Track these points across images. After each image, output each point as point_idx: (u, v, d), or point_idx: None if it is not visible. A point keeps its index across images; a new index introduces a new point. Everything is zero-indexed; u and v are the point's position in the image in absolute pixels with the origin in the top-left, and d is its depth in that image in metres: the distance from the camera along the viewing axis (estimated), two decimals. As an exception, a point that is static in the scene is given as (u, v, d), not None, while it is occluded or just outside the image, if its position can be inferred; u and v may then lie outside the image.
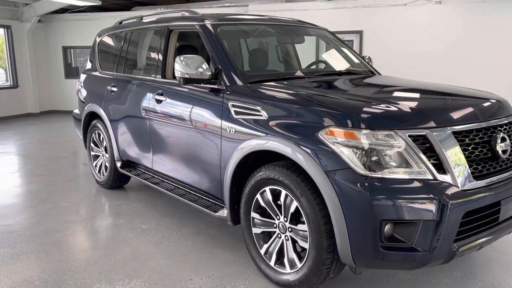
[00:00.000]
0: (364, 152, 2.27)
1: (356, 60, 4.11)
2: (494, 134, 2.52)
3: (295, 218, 2.64)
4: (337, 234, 2.35)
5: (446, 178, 2.26)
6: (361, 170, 2.25)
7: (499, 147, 2.50)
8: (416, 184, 2.22)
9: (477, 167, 2.41)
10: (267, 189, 2.76)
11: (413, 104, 2.56)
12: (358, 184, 2.23)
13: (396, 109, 2.42)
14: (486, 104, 2.68)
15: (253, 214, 2.91)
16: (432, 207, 2.17)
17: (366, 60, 4.20)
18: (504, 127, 2.63)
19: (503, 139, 2.54)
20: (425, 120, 2.37)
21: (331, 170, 2.33)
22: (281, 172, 2.63)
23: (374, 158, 2.26)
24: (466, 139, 2.42)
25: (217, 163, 3.17)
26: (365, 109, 2.43)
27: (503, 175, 2.51)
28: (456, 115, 2.48)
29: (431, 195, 2.19)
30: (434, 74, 8.05)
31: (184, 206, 4.28)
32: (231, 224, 3.14)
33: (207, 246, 3.45)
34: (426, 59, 8.73)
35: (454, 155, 2.30)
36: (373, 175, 2.23)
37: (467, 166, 2.33)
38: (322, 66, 4.22)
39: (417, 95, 2.91)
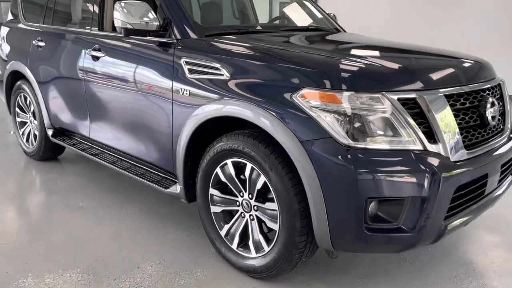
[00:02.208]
0: (347, 118, 1.91)
1: (320, 16, 3.72)
2: (484, 98, 2.26)
3: (262, 195, 2.27)
4: (313, 215, 2.01)
5: (436, 148, 1.96)
6: (343, 139, 1.89)
7: (489, 112, 2.25)
8: (406, 155, 1.91)
9: (466, 135, 2.14)
10: (228, 162, 2.36)
11: (399, 63, 2.23)
12: (340, 156, 1.88)
13: (383, 68, 2.08)
14: (474, 66, 2.40)
15: (212, 191, 2.51)
16: (423, 181, 1.88)
17: (331, 17, 3.82)
18: (492, 90, 2.38)
19: (492, 104, 2.28)
20: (415, 81, 2.05)
21: (307, 140, 1.96)
22: (246, 142, 2.23)
23: (357, 126, 1.91)
24: (457, 103, 2.13)
25: (167, 132, 2.71)
26: (347, 67, 2.07)
27: (489, 144, 2.27)
28: (447, 76, 2.19)
29: (422, 168, 1.89)
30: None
31: (129, 180, 3.79)
32: (185, 201, 2.73)
33: (156, 227, 3.02)
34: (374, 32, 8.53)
35: (446, 122, 2.01)
36: (357, 146, 1.89)
37: (459, 135, 2.06)
38: (284, 21, 3.80)
39: (398, 54, 2.58)
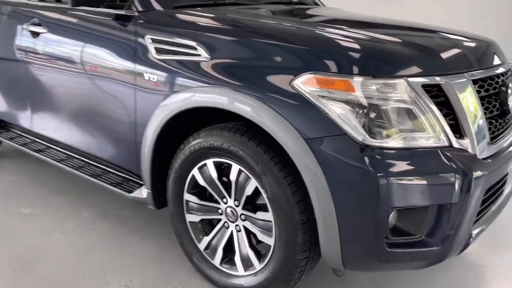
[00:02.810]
0: (362, 110, 1.54)
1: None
2: (504, 84, 1.96)
3: (252, 202, 1.88)
4: (321, 228, 1.64)
5: (464, 143, 1.64)
6: (360, 136, 1.52)
7: (510, 99, 1.96)
8: (432, 154, 1.57)
9: (490, 127, 1.83)
10: (209, 162, 1.94)
11: (419, 42, 1.87)
12: (357, 157, 1.52)
13: (402, 48, 1.72)
14: (490, 47, 2.08)
15: (188, 196, 2.08)
16: (453, 185, 1.55)
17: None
18: (507, 75, 2.08)
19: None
20: (439, 63, 1.70)
21: (315, 138, 1.57)
22: (232, 139, 1.81)
23: (375, 119, 1.54)
24: (482, 90, 1.81)
25: (129, 125, 2.24)
26: (360, 47, 1.68)
27: (508, 136, 1.99)
28: (469, 58, 1.86)
29: (452, 169, 1.56)
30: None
31: (82, 179, 3.25)
32: (153, 208, 2.28)
33: (118, 236, 2.55)
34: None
35: (474, 112, 1.69)
36: (376, 144, 1.53)
37: (486, 127, 1.75)
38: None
39: (411, 33, 2.18)
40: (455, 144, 1.62)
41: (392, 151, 1.53)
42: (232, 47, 1.83)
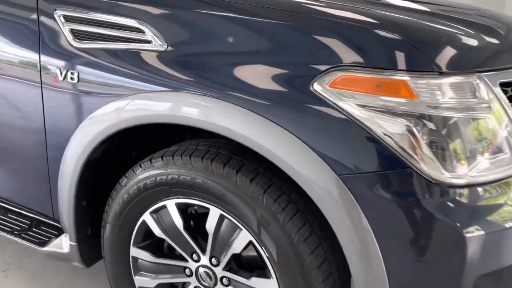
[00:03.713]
0: (432, 127, 0.98)
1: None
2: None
3: (241, 262, 1.27)
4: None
5: None
6: (435, 170, 0.97)
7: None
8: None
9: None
10: (170, 204, 1.28)
11: (492, 27, 1.33)
12: (432, 204, 0.97)
13: (469, 35, 1.16)
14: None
15: (136, 252, 1.41)
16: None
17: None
18: None
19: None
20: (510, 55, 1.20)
21: (355, 174, 0.99)
22: (210, 171, 1.17)
23: (449, 140, 1.00)
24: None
25: (36, 147, 1.50)
26: (418, 31, 1.08)
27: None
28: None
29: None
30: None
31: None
32: (81, 266, 1.57)
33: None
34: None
35: None
36: (459, 182, 0.98)
37: None
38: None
39: (476, 14, 1.57)
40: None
41: (479, 191, 0.99)
42: (209, 29, 1.17)
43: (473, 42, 1.12)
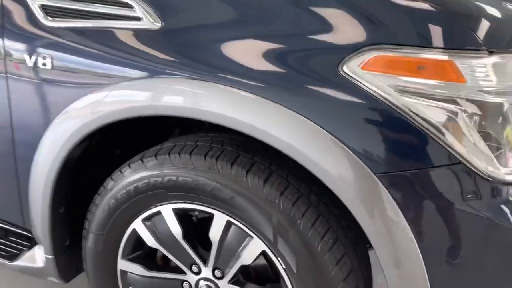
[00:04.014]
0: (484, 115, 0.84)
1: None
2: None
3: (250, 274, 1.11)
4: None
5: None
6: (490, 166, 0.83)
7: None
8: None
9: None
10: (166, 210, 1.11)
11: None
12: (490, 204, 0.84)
13: None
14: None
15: (124, 265, 1.22)
16: None
17: None
18: None
19: None
20: None
21: (396, 173, 0.85)
22: (216, 170, 1.00)
23: (504, 131, 0.86)
24: None
25: (1, 145, 1.28)
26: (462, 5, 0.94)
27: None
28: None
29: None
30: None
31: None
32: (58, 281, 1.37)
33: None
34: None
35: None
36: (515, 178, 0.85)
37: None
38: None
39: None
40: None
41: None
42: (216, 2, 0.99)
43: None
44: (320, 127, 0.86)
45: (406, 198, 0.84)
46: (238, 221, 1.03)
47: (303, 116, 0.87)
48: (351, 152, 0.85)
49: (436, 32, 0.84)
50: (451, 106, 0.82)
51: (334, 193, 0.90)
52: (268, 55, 0.91)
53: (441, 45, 0.83)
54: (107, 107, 1.08)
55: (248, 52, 0.92)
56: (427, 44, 0.83)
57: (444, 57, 0.83)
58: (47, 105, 1.19)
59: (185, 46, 0.97)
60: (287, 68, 0.89)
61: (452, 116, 0.82)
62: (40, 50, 1.11)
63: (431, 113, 0.83)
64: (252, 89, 0.90)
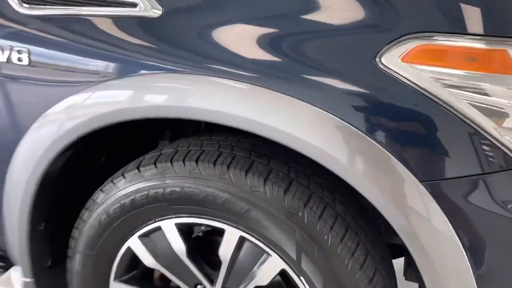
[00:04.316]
0: None
1: None
2: None
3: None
4: None
5: None
6: None
7: None
8: None
9: None
10: (167, 225, 0.96)
11: None
12: None
13: None
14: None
15: (118, 287, 1.07)
16: None
17: None
18: None
19: None
20: None
21: (448, 179, 0.74)
22: (226, 180, 0.87)
23: None
24: None
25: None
26: None
27: None
28: None
29: None
30: None
31: None
32: (39, 307, 1.20)
33: None
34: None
35: None
36: None
37: None
38: None
39: None
40: None
41: None
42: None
43: None
44: (357, 129, 0.74)
45: (459, 210, 0.73)
46: (254, 237, 0.90)
47: (336, 116, 0.75)
48: (391, 156, 0.74)
49: (488, 19, 0.73)
50: (508, 103, 0.72)
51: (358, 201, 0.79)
52: (291, 46, 0.78)
53: (494, 33, 0.72)
54: (93, 110, 0.93)
55: (272, 44, 0.79)
56: (478, 32, 0.73)
57: (498, 46, 0.72)
58: (23, 108, 1.02)
59: (192, 38, 0.83)
60: (317, 62, 0.77)
61: (509, 113, 0.72)
62: (15, 43, 0.95)
63: (485, 111, 0.72)
64: (277, 86, 0.77)
